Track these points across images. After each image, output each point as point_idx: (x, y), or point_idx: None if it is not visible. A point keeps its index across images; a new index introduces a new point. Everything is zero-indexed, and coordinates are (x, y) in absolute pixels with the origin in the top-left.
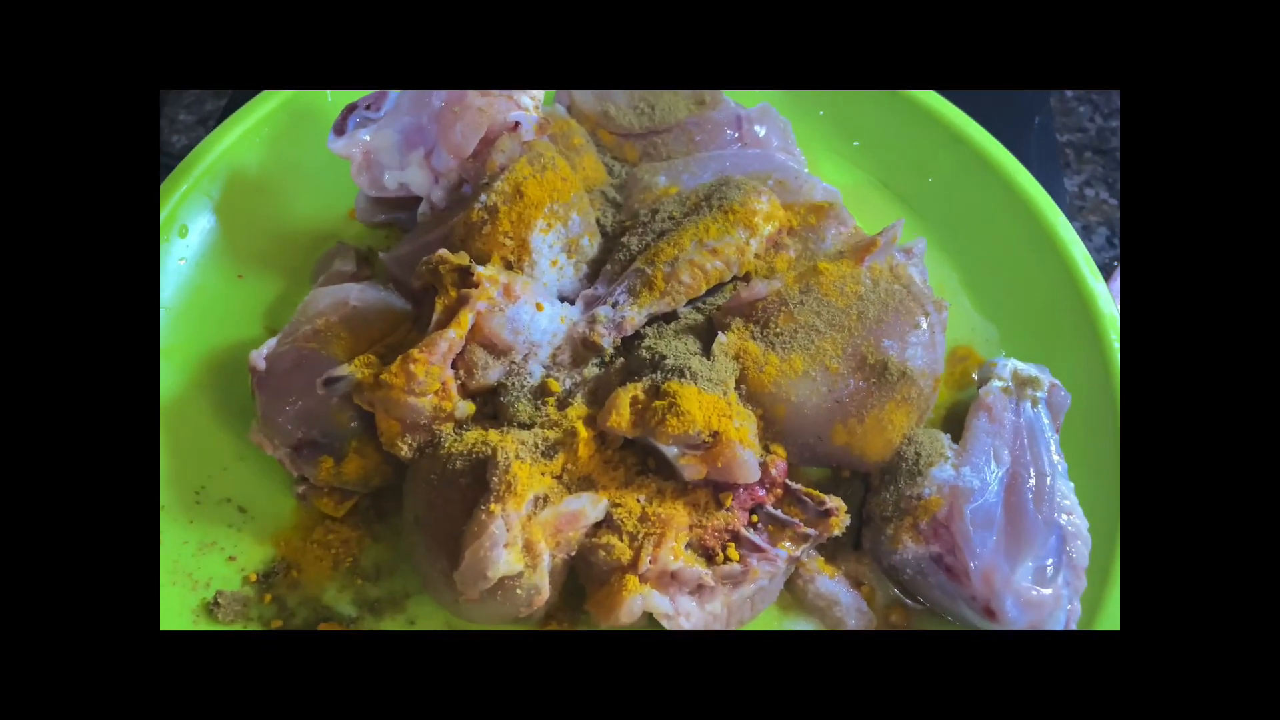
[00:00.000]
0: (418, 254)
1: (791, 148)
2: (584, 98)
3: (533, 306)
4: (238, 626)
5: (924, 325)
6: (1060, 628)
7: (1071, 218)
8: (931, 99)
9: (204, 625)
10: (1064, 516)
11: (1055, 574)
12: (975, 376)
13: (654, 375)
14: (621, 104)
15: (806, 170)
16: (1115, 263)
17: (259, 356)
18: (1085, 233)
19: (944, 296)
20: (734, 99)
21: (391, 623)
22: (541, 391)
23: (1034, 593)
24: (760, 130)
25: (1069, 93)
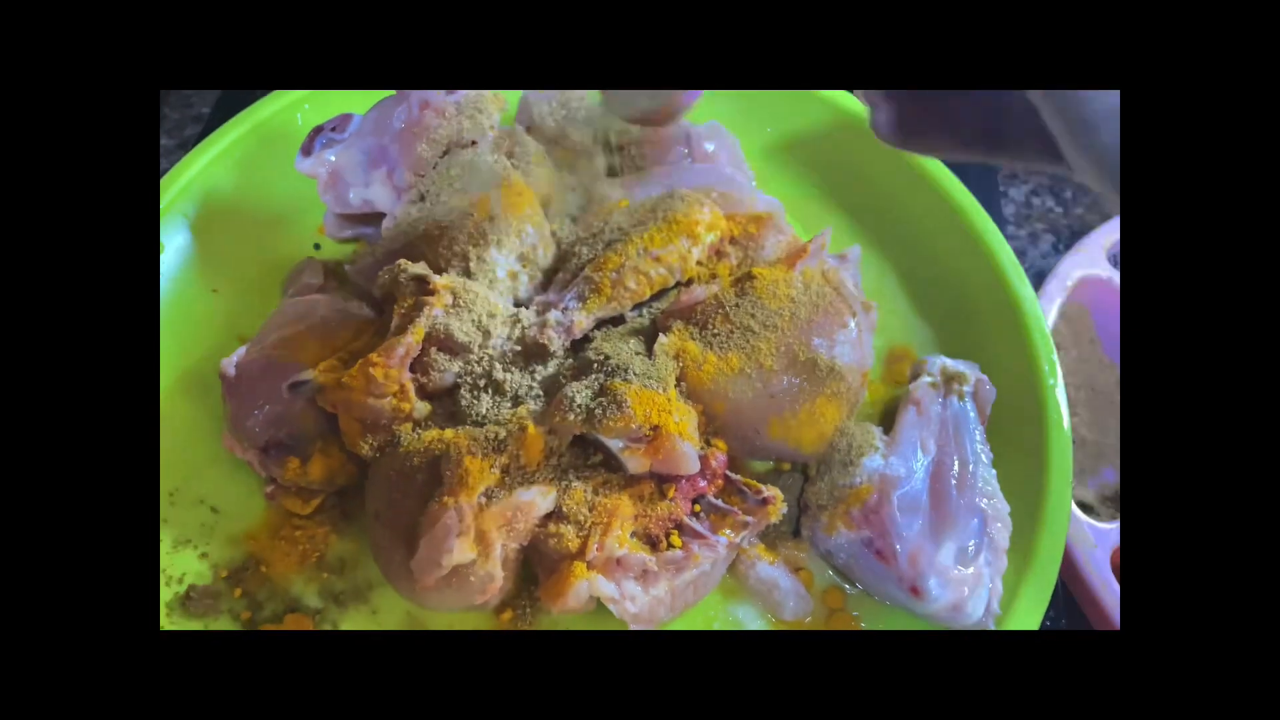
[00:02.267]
0: (380, 265)
1: (740, 163)
2: (543, 119)
3: (487, 312)
4: (209, 618)
5: (851, 325)
6: (982, 605)
7: (1019, 226)
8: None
9: (177, 617)
10: (985, 501)
11: (977, 554)
12: (909, 373)
13: (600, 375)
14: (578, 124)
15: (754, 183)
16: (1056, 264)
17: (229, 364)
18: (1032, 240)
19: (883, 300)
20: (685, 118)
21: (355, 612)
22: (495, 391)
23: (956, 571)
24: (709, 146)
25: None
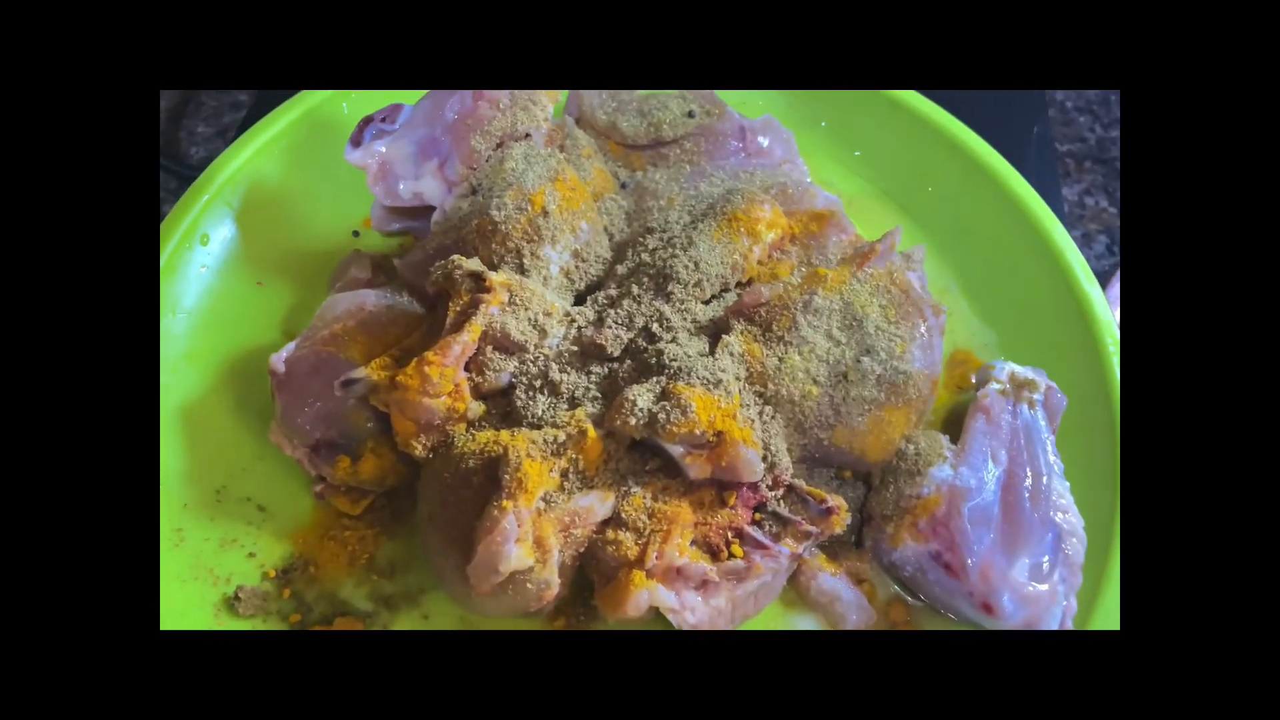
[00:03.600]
0: (432, 260)
1: (794, 158)
2: (593, 111)
3: (543, 310)
4: (258, 620)
5: (922, 329)
6: (1056, 623)
7: (1071, 226)
8: (930, 109)
9: (225, 619)
10: (1059, 515)
11: (1051, 570)
12: (974, 379)
13: (660, 377)
14: (630, 116)
15: (809, 179)
16: (1115, 269)
17: (279, 359)
18: (1085, 240)
19: (945, 302)
20: (738, 111)
21: (406, 617)
22: (552, 392)
23: (1030, 589)
24: (764, 141)
25: (1069, 103)
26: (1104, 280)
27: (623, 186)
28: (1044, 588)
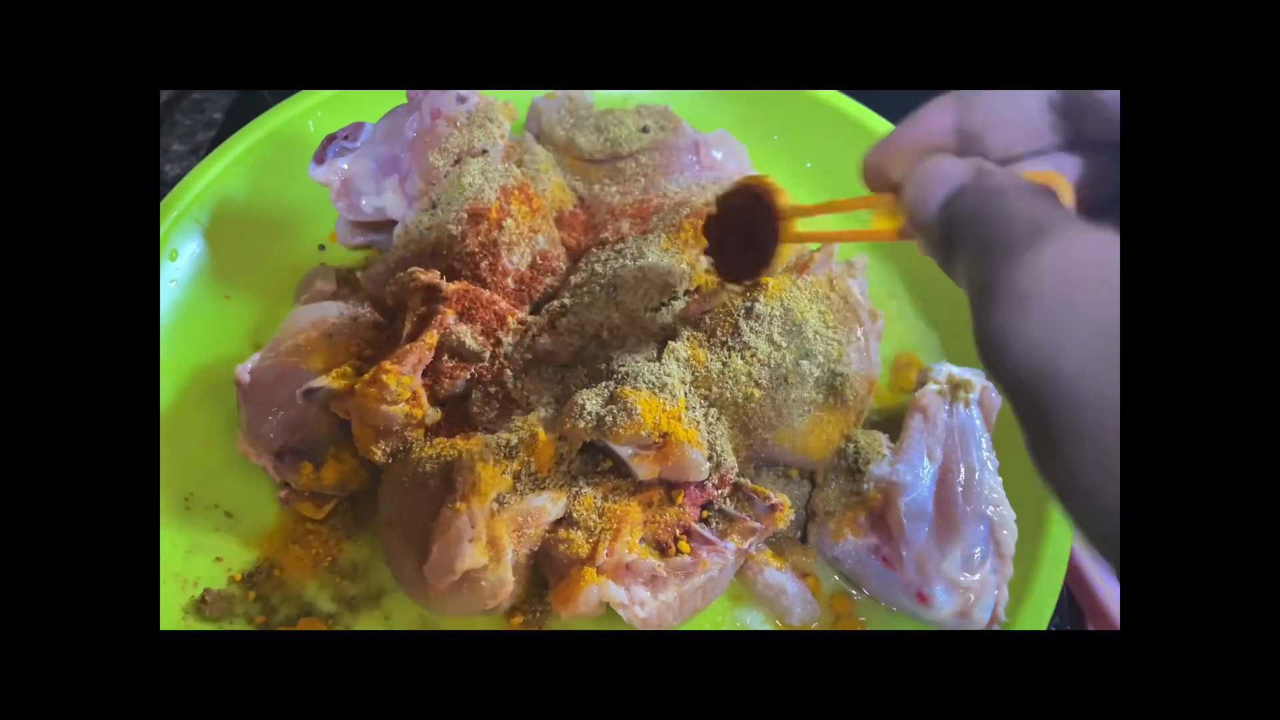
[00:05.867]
0: (393, 272)
1: (747, 170)
2: (551, 127)
3: (497, 319)
4: (224, 623)
5: (858, 333)
6: (989, 611)
7: None
8: (879, 123)
9: (193, 621)
10: (991, 508)
11: (983, 561)
12: (916, 380)
13: (609, 382)
14: (587, 132)
15: None
16: None
17: (244, 370)
18: None
19: (889, 306)
20: (693, 126)
21: (368, 617)
22: (506, 398)
23: (962, 578)
24: (717, 154)
25: None
26: None
27: (580, 200)
28: (975, 578)
